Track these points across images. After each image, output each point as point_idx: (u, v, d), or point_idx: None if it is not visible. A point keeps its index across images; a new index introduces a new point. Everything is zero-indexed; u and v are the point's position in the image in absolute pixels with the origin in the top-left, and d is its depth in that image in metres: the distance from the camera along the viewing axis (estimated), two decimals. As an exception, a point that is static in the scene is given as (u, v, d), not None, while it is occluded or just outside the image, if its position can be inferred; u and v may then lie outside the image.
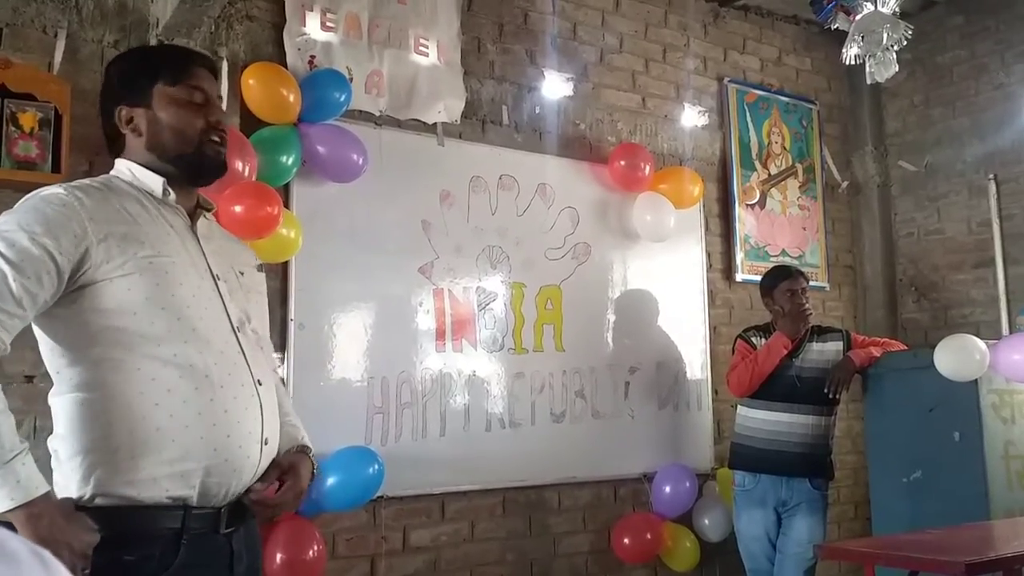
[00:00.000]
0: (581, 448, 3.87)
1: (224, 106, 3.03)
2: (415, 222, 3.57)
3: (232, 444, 1.54)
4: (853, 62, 3.35)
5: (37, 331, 1.55)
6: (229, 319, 1.61)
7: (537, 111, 3.97)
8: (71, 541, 1.36)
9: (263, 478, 1.62)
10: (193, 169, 1.65)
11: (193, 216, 1.68)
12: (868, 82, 3.42)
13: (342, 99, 3.27)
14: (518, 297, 3.79)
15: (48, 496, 1.40)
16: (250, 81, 3.11)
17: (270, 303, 3.14)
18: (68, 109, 2.83)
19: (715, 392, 4.25)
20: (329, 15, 3.43)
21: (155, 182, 1.61)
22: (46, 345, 1.54)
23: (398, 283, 3.49)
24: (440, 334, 3.57)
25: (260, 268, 1.83)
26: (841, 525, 4.66)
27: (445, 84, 3.70)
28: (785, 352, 3.48)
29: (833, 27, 3.44)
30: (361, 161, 3.31)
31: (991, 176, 4.57)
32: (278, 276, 3.25)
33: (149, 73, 1.63)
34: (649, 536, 3.84)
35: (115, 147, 1.67)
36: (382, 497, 3.30)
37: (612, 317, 4.06)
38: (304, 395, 3.21)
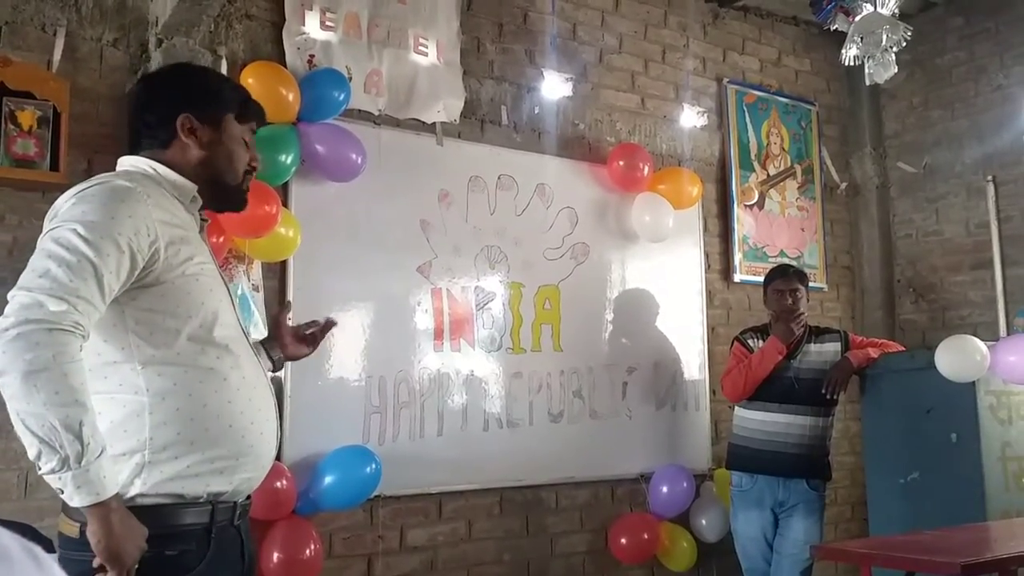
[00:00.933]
0: (579, 448, 3.87)
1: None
2: (414, 221, 3.57)
3: (264, 441, 1.66)
4: (852, 63, 3.35)
5: None
6: (239, 322, 1.73)
7: (536, 111, 3.97)
8: (136, 538, 1.43)
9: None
10: (221, 197, 1.77)
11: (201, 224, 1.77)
12: (867, 83, 3.42)
13: (341, 98, 3.27)
14: (516, 297, 3.79)
15: (119, 496, 1.44)
16: (249, 80, 3.11)
17: (268, 302, 3.17)
18: (67, 107, 2.84)
19: (713, 392, 4.26)
20: (328, 14, 3.43)
21: (189, 187, 1.69)
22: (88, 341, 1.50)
23: (396, 282, 3.49)
24: (438, 334, 3.57)
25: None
26: (838, 526, 4.66)
27: (444, 84, 3.70)
28: (780, 357, 3.48)
29: (832, 28, 3.44)
30: (360, 160, 3.31)
31: (989, 178, 4.57)
32: (276, 275, 3.25)
33: (225, 100, 1.74)
34: (646, 536, 3.84)
35: (138, 143, 1.71)
36: (379, 496, 3.31)
37: (610, 317, 4.07)
38: (302, 394, 3.22)
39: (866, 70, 3.34)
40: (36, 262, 1.44)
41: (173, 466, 1.52)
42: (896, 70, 3.32)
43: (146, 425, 1.51)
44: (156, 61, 3.02)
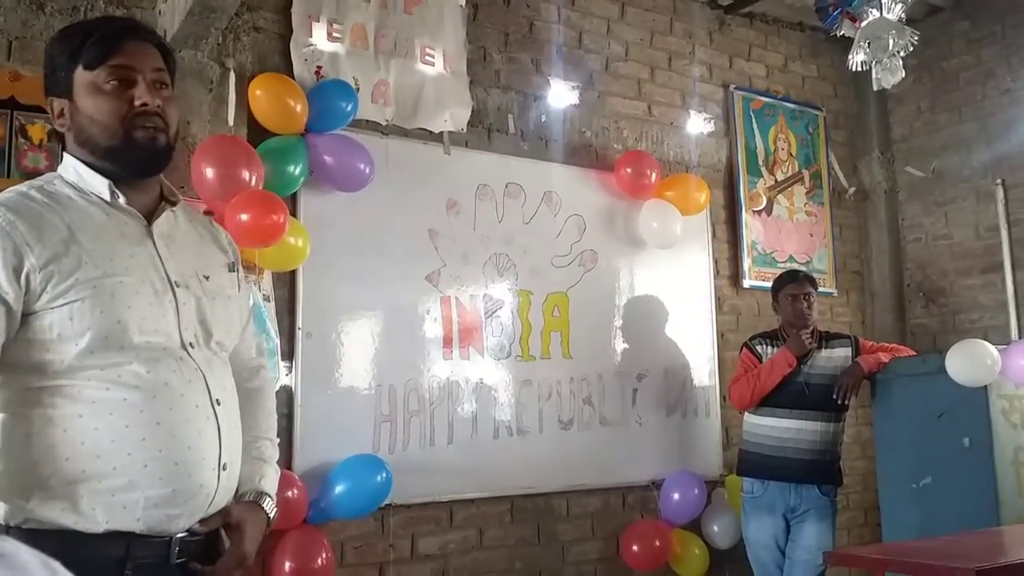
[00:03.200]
0: (589, 455, 3.86)
1: (232, 117, 3.08)
2: (422, 230, 3.58)
3: (181, 472, 1.40)
4: (859, 69, 3.35)
5: None
6: (181, 335, 1.47)
7: (543, 119, 3.98)
8: None
9: (207, 521, 1.47)
10: (127, 162, 1.46)
11: (152, 215, 1.52)
12: (874, 88, 3.41)
13: (349, 109, 3.29)
14: (525, 304, 3.79)
15: None
16: (257, 92, 3.13)
17: (278, 312, 3.18)
18: (77, 120, 2.86)
19: (723, 399, 4.25)
20: (335, 26, 3.45)
21: (101, 184, 1.45)
22: None
23: (405, 291, 3.50)
24: (447, 342, 3.58)
25: (232, 267, 1.65)
26: (850, 531, 4.64)
27: (451, 93, 3.71)
28: (789, 369, 3.47)
29: (839, 34, 3.44)
30: (368, 170, 3.32)
31: (999, 181, 4.55)
32: (286, 285, 3.27)
33: (71, 57, 1.44)
34: (658, 543, 3.83)
35: (61, 143, 1.51)
36: (390, 505, 3.31)
37: (619, 324, 4.06)
38: (312, 403, 3.23)
39: (873, 75, 3.33)
40: None
41: (63, 494, 1.35)
42: (903, 75, 3.32)
43: (30, 448, 1.35)
44: (165, 74, 3.04)
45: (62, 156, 1.51)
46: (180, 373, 1.44)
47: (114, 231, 1.45)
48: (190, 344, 1.47)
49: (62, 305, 1.35)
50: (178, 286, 1.48)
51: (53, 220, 1.39)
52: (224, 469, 1.47)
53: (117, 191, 1.46)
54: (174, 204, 1.56)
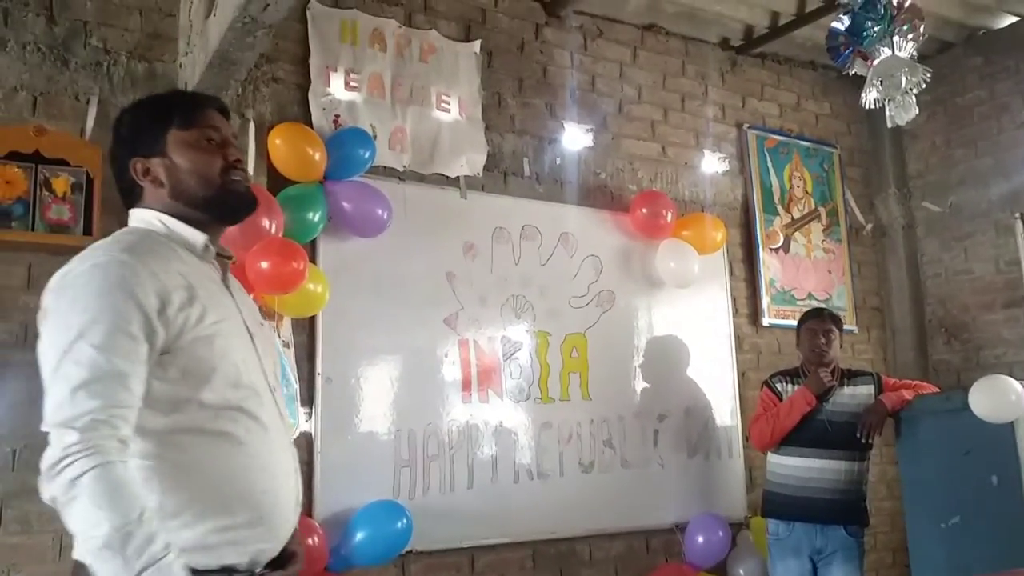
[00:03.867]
0: (611, 498, 3.82)
1: (251, 166, 3.13)
2: (439, 274, 3.59)
3: (278, 513, 1.52)
4: (872, 106, 3.35)
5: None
6: (266, 379, 1.58)
7: (558, 162, 4.01)
8: None
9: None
10: (222, 209, 1.61)
11: (223, 268, 1.64)
12: (889, 125, 3.42)
13: (366, 156, 3.33)
14: (543, 346, 3.79)
15: None
16: (276, 141, 3.18)
17: (298, 357, 3.20)
18: (100, 173, 2.91)
19: (746, 439, 4.20)
20: (353, 75, 3.51)
21: (196, 235, 1.57)
22: None
23: (423, 335, 3.50)
24: (466, 385, 3.57)
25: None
26: (879, 573, 4.55)
27: (467, 139, 3.75)
28: (809, 408, 3.43)
29: (851, 72, 3.46)
30: (386, 216, 3.35)
31: (1017, 215, 4.53)
32: (305, 331, 3.28)
33: (161, 121, 1.59)
34: (683, 588, 3.77)
35: (130, 199, 1.62)
36: (411, 552, 3.28)
37: (638, 364, 4.05)
38: (332, 450, 3.22)
39: (887, 112, 3.34)
40: (58, 390, 1.34)
41: (186, 534, 1.40)
42: (917, 111, 3.32)
43: (155, 491, 1.40)
44: (186, 125, 3.10)
45: (122, 210, 1.65)
46: (272, 418, 1.55)
47: (210, 280, 1.56)
48: (271, 387, 1.59)
49: (189, 344, 1.44)
50: (253, 334, 1.60)
51: (173, 267, 1.48)
52: (298, 507, 1.61)
53: (210, 244, 1.59)
54: (230, 257, 1.68)
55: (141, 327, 1.38)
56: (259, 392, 1.54)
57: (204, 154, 1.58)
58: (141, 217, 1.59)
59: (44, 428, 1.34)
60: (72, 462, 1.28)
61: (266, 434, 1.52)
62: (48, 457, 1.31)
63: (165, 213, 1.57)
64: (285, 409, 1.66)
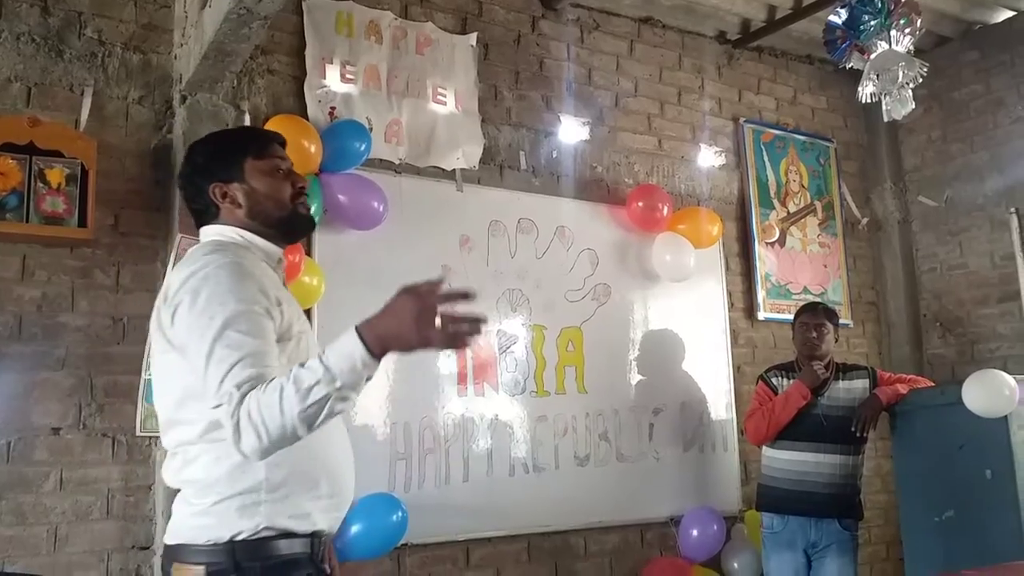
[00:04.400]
0: (606, 492, 3.83)
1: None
2: (435, 267, 3.59)
3: (348, 488, 1.78)
4: (869, 100, 3.35)
5: (182, 379, 1.61)
6: None
7: (554, 155, 4.00)
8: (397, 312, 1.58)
9: None
10: (290, 228, 1.83)
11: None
12: (885, 120, 3.42)
13: (362, 148, 3.32)
14: (539, 339, 3.79)
15: (362, 349, 1.51)
16: (272, 133, 3.16)
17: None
18: (94, 164, 2.90)
19: (740, 432, 4.21)
20: (348, 67, 3.50)
21: (273, 250, 1.80)
22: (194, 393, 1.59)
23: (419, 328, 3.49)
24: (462, 378, 3.57)
25: None
26: (873, 566, 4.57)
27: (463, 131, 3.75)
28: (804, 402, 3.44)
29: (848, 67, 3.46)
30: (382, 208, 3.35)
31: (1013, 209, 4.53)
32: (300, 324, 3.27)
33: (238, 151, 1.80)
34: (677, 581, 3.78)
35: (204, 219, 1.81)
36: (406, 545, 3.28)
37: (634, 358, 4.05)
38: (327, 442, 3.22)
39: (883, 107, 3.33)
40: (216, 371, 1.51)
41: (285, 505, 1.62)
42: (914, 106, 3.32)
43: (260, 468, 1.59)
44: (181, 117, 3.09)
45: (190, 225, 1.88)
46: None
47: (282, 287, 1.79)
48: None
49: (290, 341, 1.67)
50: (304, 333, 1.78)
51: (263, 268, 1.72)
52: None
53: (283, 257, 1.84)
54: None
55: (267, 311, 1.61)
56: None
57: (277, 181, 1.80)
58: (221, 232, 1.78)
59: (212, 406, 1.51)
60: (240, 412, 1.47)
61: (336, 420, 1.65)
62: (228, 426, 1.49)
63: (244, 230, 1.78)
64: None
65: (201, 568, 1.58)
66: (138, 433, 2.88)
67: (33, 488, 2.79)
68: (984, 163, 4.69)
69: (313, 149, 3.20)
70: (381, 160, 3.51)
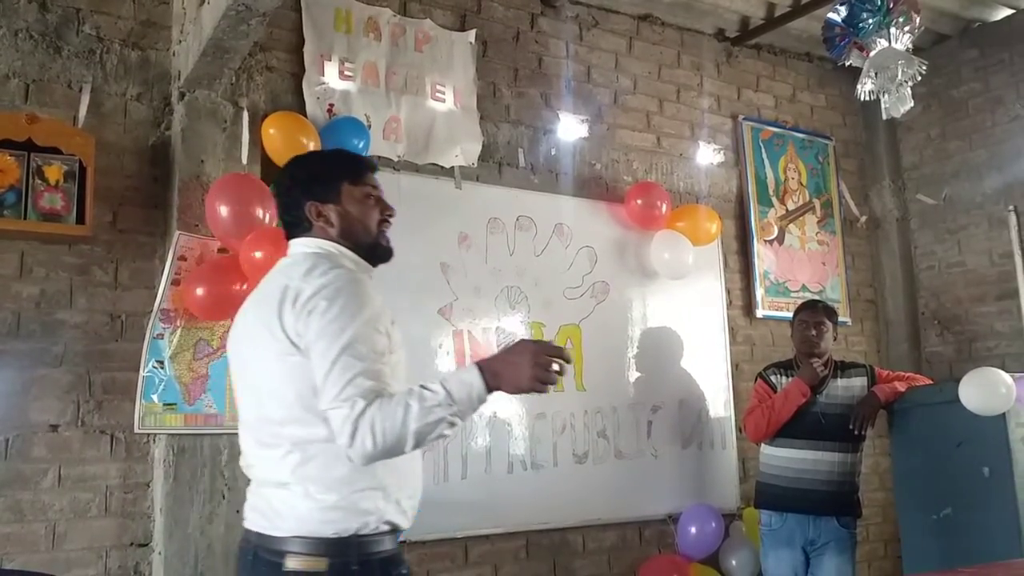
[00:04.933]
0: (604, 489, 3.83)
1: (245, 155, 3.12)
2: (434, 264, 3.59)
3: (420, 490, 1.91)
4: (868, 98, 3.35)
5: (307, 381, 1.69)
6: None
7: (553, 153, 4.00)
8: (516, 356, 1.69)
9: None
10: (372, 253, 1.93)
11: None
12: (884, 118, 3.42)
13: (361, 145, 3.31)
14: (537, 337, 3.78)
15: (480, 384, 1.66)
16: (270, 130, 3.16)
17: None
18: (92, 161, 2.89)
19: (739, 430, 4.21)
20: (347, 64, 3.49)
21: (367, 267, 1.92)
22: (310, 400, 1.70)
23: (417, 325, 3.49)
24: (460, 376, 3.56)
25: None
26: (871, 564, 4.57)
27: (462, 128, 3.74)
28: (803, 400, 3.44)
29: (847, 64, 3.45)
30: (380, 206, 3.33)
31: (1011, 208, 4.54)
32: (299, 321, 3.27)
33: (336, 175, 1.91)
34: (675, 578, 3.78)
35: (296, 231, 1.92)
36: (404, 541, 3.25)
37: (633, 355, 4.05)
38: (326, 440, 3.22)
39: (882, 105, 3.33)
40: (341, 377, 1.64)
41: (393, 504, 1.77)
42: (912, 104, 3.32)
43: (378, 467, 1.71)
44: (179, 114, 3.09)
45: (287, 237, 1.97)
46: None
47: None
48: None
49: (388, 357, 1.76)
50: (399, 346, 1.89)
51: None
52: None
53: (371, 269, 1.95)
54: None
55: (386, 332, 1.76)
56: None
57: (368, 208, 1.92)
58: (321, 246, 1.88)
59: (326, 407, 1.65)
60: (360, 418, 1.61)
61: None
62: (339, 435, 1.63)
63: (340, 245, 1.89)
64: None
65: (324, 560, 1.68)
66: (136, 430, 2.88)
67: (31, 485, 2.79)
68: (983, 161, 4.70)
69: (311, 146, 3.19)
70: (380, 157, 3.50)
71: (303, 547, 1.68)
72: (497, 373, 1.66)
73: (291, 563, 1.68)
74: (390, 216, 1.96)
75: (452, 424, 1.64)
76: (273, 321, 1.73)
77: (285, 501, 1.72)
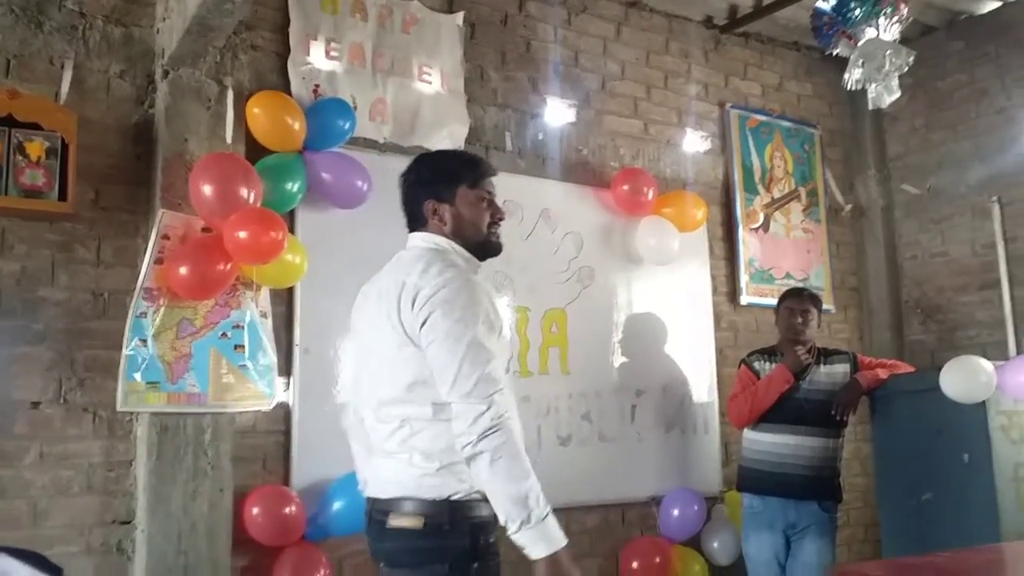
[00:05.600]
0: (588, 472, 3.85)
1: (230, 134, 3.10)
2: (420, 247, 3.57)
3: None
4: (855, 88, 3.36)
5: (419, 369, 1.93)
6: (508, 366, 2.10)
7: (540, 137, 4.00)
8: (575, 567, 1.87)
9: None
10: (480, 253, 2.13)
11: None
12: (870, 107, 3.43)
13: (346, 127, 3.30)
14: (523, 321, 3.79)
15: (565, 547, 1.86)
16: (255, 110, 3.14)
17: (275, 328, 3.18)
18: (74, 138, 2.87)
19: (722, 415, 4.24)
20: (333, 44, 3.47)
21: (476, 263, 2.11)
22: (426, 381, 1.92)
23: (403, 308, 3.48)
24: (445, 359, 3.56)
25: None
26: (851, 548, 4.62)
27: (448, 111, 3.73)
28: (786, 386, 3.46)
29: (835, 53, 3.46)
30: (365, 187, 3.33)
31: (995, 198, 4.57)
32: (283, 301, 3.27)
33: (455, 177, 2.11)
34: (658, 560, 3.81)
35: (414, 224, 2.15)
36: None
37: (618, 340, 4.06)
38: (310, 420, 3.22)
39: (869, 95, 3.34)
40: (466, 373, 1.86)
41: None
42: (899, 94, 3.33)
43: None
44: (163, 92, 3.06)
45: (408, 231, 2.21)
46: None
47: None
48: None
49: (498, 340, 1.97)
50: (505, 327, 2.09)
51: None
52: None
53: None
54: None
55: (499, 329, 1.97)
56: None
57: (481, 210, 2.11)
58: (437, 243, 2.09)
59: (450, 398, 1.88)
60: (495, 430, 1.85)
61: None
62: (467, 428, 1.85)
63: (453, 241, 2.09)
64: None
65: (421, 519, 1.91)
66: (119, 408, 2.86)
67: (13, 462, 2.77)
68: (967, 152, 4.72)
69: (297, 126, 3.18)
70: (365, 139, 3.49)
71: (404, 507, 1.92)
72: (558, 561, 1.84)
73: (393, 521, 1.93)
74: (500, 219, 2.14)
75: (520, 521, 1.83)
76: (393, 314, 1.95)
77: (392, 468, 1.95)
